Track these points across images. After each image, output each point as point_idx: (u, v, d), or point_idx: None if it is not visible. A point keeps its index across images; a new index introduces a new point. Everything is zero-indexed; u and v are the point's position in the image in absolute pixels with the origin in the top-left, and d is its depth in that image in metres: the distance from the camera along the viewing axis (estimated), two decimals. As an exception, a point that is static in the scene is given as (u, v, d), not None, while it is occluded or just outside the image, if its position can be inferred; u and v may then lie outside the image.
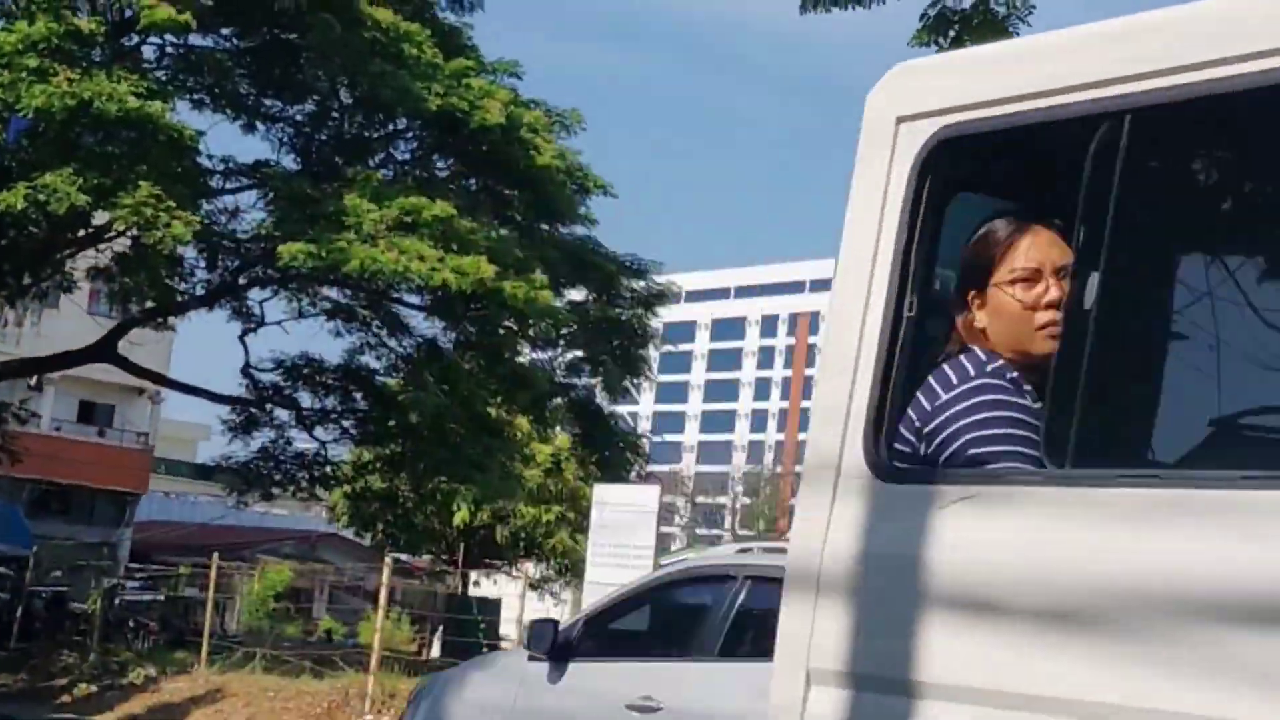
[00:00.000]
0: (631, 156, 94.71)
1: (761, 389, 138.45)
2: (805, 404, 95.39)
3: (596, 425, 31.24)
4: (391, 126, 26.99)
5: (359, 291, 28.18)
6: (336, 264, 22.00)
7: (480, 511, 36.96)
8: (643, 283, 29.88)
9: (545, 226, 28.33)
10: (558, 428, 34.93)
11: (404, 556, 41.95)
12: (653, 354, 31.98)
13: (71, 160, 20.92)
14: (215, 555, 28.01)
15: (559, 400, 30.47)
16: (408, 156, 27.38)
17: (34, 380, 42.38)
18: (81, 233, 26.28)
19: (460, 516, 36.84)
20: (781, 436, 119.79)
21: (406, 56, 24.83)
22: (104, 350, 29.23)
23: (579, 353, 30.09)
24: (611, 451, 31.10)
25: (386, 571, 22.33)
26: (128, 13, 23.01)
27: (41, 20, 20.91)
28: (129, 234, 24.65)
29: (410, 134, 26.99)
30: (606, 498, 19.11)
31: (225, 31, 25.34)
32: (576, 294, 29.54)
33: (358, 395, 30.48)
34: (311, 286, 27.92)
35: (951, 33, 11.95)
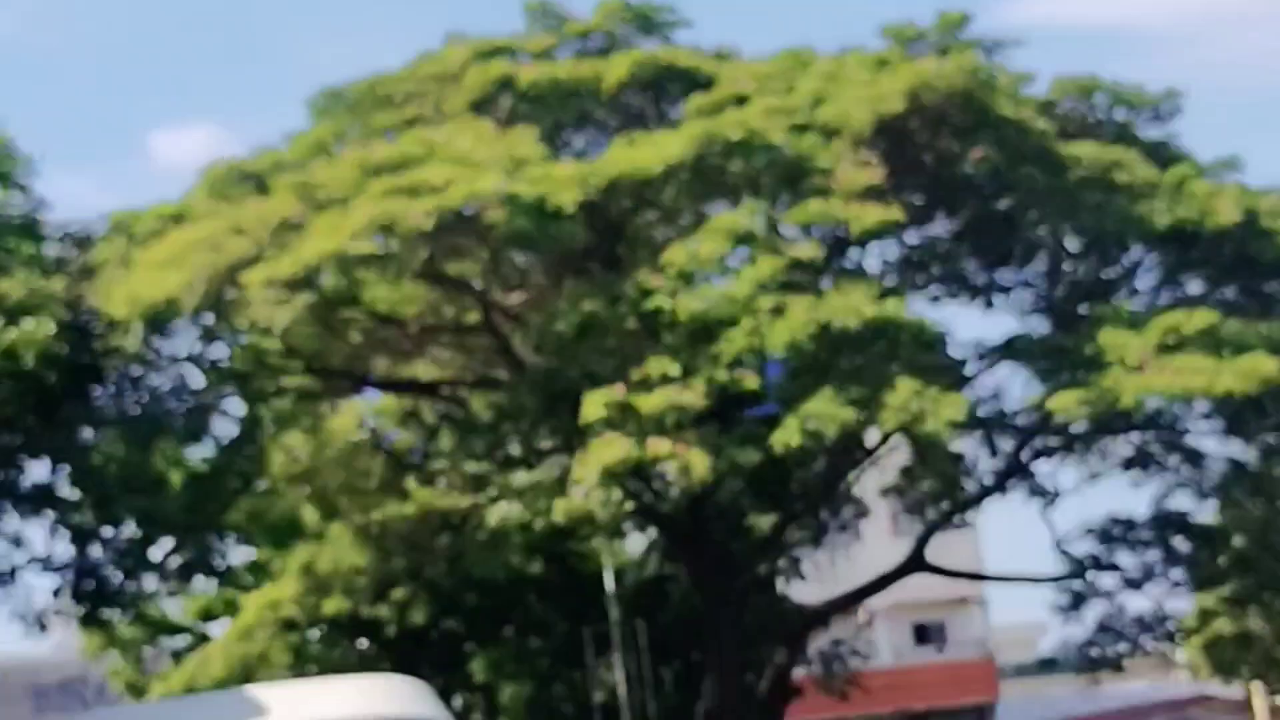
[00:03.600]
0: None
1: None
2: None
3: None
4: (1127, 260, 26.23)
5: (1144, 433, 27.26)
6: (1112, 404, 21.29)
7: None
8: None
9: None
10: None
11: None
12: None
13: (828, 383, 21.30)
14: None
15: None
16: (1151, 283, 26.46)
17: (864, 617, 43.23)
18: (860, 454, 26.71)
19: (1324, 639, 34.39)
20: None
21: (1120, 184, 24.19)
22: (915, 564, 29.43)
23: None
24: None
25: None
26: (840, 231, 23.52)
27: (764, 260, 21.65)
28: (905, 440, 24.93)
29: (1148, 260, 26.10)
30: None
31: (937, 217, 25.53)
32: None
33: (1177, 540, 29.32)
34: (1094, 443, 27.24)
35: None
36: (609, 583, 30.69)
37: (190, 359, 26.13)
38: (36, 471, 27.59)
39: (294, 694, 4.87)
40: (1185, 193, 24.53)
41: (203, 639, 35.94)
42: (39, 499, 27.69)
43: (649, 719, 29.43)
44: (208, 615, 37.04)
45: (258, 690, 4.38)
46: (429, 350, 27.79)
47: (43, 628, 28.97)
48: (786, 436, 21.31)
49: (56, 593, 29.16)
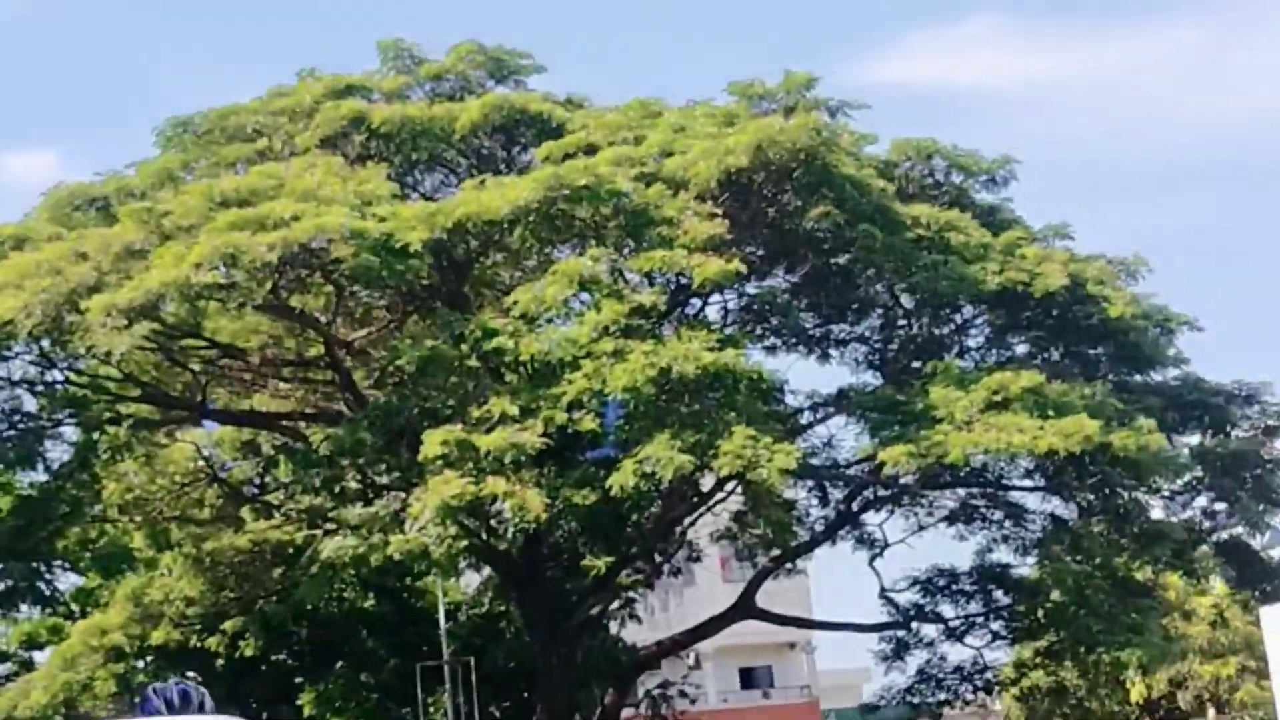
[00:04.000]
0: (1210, 289, 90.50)
1: None
2: None
3: (1249, 565, 29.60)
4: (958, 318, 26.93)
5: (970, 488, 27.98)
6: (940, 458, 21.88)
7: (1154, 682, 35.43)
8: (1257, 407, 28.59)
9: (1138, 377, 27.52)
10: (1210, 578, 33.30)
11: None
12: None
13: (665, 428, 21.61)
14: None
15: (1204, 548, 29.07)
16: (981, 341, 27.22)
17: (692, 659, 43.67)
18: (694, 498, 27.08)
19: (1137, 692, 35.44)
20: None
21: (954, 245, 24.88)
22: (744, 608, 29.85)
23: (1209, 494, 28.77)
24: (1272, 588, 29.35)
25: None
26: (682, 279, 23.94)
27: (607, 305, 21.96)
28: (739, 486, 25.37)
29: (978, 319, 26.83)
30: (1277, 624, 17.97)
31: (777, 270, 26.06)
32: (1190, 438, 28.38)
33: (998, 593, 30.10)
34: (921, 496, 27.92)
35: None
36: (442, 619, 30.79)
37: (25, 383, 25.86)
38: None
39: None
40: (1016, 256, 25.30)
41: (26, 665, 35.37)
42: None
43: (477, 756, 29.54)
44: (32, 642, 36.46)
45: None
46: (270, 382, 27.76)
47: None
48: (622, 479, 21.53)
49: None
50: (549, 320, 22.75)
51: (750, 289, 25.98)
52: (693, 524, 29.39)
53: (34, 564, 30.46)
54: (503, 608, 31.92)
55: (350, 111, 24.99)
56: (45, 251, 22.64)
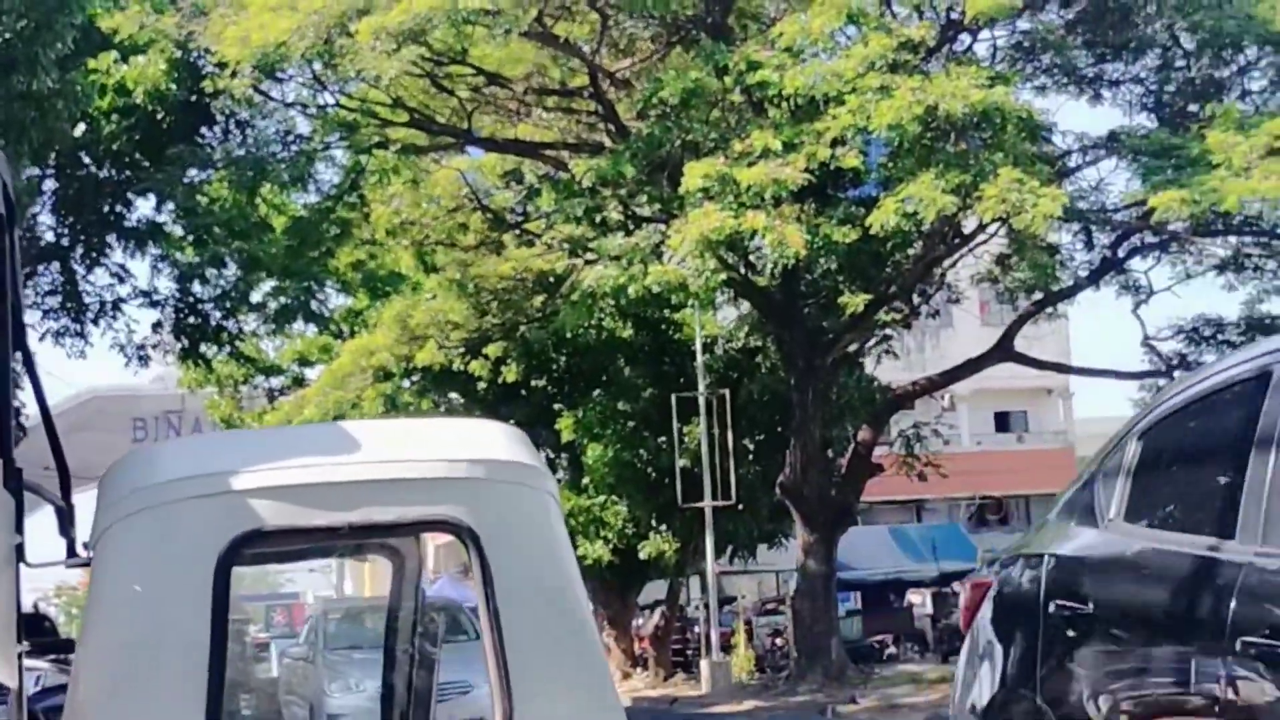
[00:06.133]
0: None
1: None
2: None
3: None
4: (1241, 60, 25.77)
5: (1243, 237, 27.11)
6: (1213, 206, 21.15)
7: None
8: None
9: None
10: None
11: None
12: None
13: (930, 166, 21.26)
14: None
15: None
16: (1264, 85, 26.03)
17: (946, 401, 43.60)
18: (955, 241, 26.71)
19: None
20: None
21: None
22: (1002, 352, 29.55)
23: None
24: None
25: None
26: (954, 13, 23.29)
27: (874, 39, 21.52)
28: (1001, 231, 24.97)
29: (1263, 61, 25.63)
30: None
31: (1051, 5, 25.18)
32: None
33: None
34: (1191, 243, 27.13)
35: None
36: (699, 351, 31.11)
37: (298, 105, 26.41)
38: (143, 208, 28.16)
39: (400, 431, 5.14)
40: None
41: (298, 382, 36.78)
42: (144, 235, 28.28)
43: (730, 486, 30.02)
44: (304, 359, 37.85)
45: (361, 425, 4.60)
46: (534, 111, 27.92)
47: (144, 360, 29.80)
48: (884, 217, 21.33)
49: (157, 326, 29.92)
50: (814, 54, 22.42)
51: (1023, 25, 25.19)
52: (953, 265, 29.04)
53: (306, 284, 31.37)
54: (758, 342, 32.06)
55: None
56: (316, -26, 22.86)
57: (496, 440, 4.96)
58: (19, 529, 4.55)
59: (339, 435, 4.82)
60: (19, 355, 4.92)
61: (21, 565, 4.66)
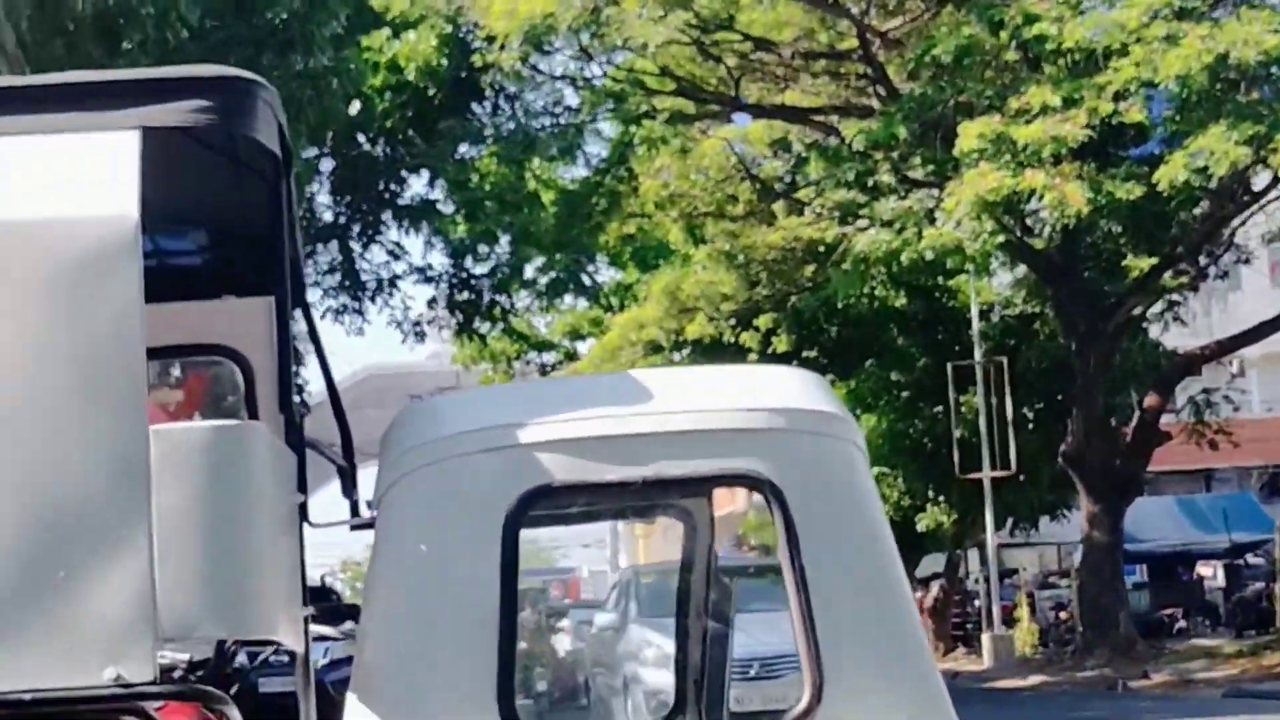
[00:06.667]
0: None
1: None
2: None
3: None
4: None
5: None
6: None
7: None
8: None
9: None
10: None
11: None
12: None
13: (1220, 119, 20.34)
14: None
15: None
16: None
17: (1235, 366, 42.01)
18: (1245, 198, 25.61)
19: None
20: None
21: None
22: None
23: None
24: None
25: None
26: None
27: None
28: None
29: None
30: None
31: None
32: None
33: None
34: None
35: None
36: (975, 318, 30.42)
37: (566, 77, 26.43)
38: (415, 185, 28.51)
39: (693, 379, 4.87)
40: None
41: (570, 356, 36.98)
42: (418, 212, 28.65)
43: (1009, 457, 29.30)
44: (575, 333, 38.05)
45: (653, 373, 4.41)
46: (801, 77, 27.51)
47: (419, 336, 30.21)
48: (1171, 173, 20.50)
49: (432, 303, 30.31)
50: (1094, 4, 21.66)
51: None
52: (1243, 224, 27.84)
53: (576, 257, 31.50)
54: (1037, 308, 31.22)
55: None
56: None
57: (797, 387, 4.62)
58: (302, 488, 4.37)
59: (629, 385, 4.53)
60: (298, 312, 4.75)
61: (306, 526, 4.50)
